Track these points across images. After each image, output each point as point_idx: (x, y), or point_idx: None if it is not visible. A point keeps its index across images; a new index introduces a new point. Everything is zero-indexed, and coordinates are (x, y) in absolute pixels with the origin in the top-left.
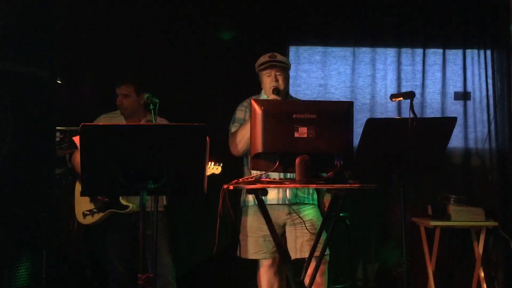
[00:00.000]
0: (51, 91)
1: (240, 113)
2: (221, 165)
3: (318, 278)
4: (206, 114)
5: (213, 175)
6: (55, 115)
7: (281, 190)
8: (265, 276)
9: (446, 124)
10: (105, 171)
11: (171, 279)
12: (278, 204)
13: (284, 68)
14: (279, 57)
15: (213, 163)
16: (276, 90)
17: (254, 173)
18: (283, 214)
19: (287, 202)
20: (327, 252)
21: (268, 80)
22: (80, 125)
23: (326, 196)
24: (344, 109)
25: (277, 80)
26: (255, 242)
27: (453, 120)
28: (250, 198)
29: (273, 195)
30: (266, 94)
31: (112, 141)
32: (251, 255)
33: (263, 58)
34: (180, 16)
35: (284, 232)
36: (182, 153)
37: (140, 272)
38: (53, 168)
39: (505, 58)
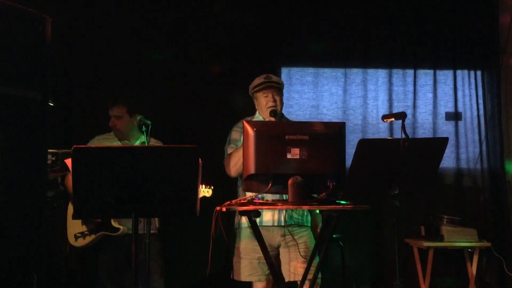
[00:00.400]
0: (43, 113)
1: (235, 134)
2: (212, 188)
3: None
4: (198, 136)
5: (204, 198)
6: (46, 138)
7: (276, 212)
8: None
9: (438, 144)
10: (97, 193)
11: None
12: (273, 226)
13: (280, 89)
14: (274, 78)
15: (204, 186)
16: (273, 112)
17: (248, 194)
18: (278, 236)
19: (282, 224)
20: (319, 275)
21: (265, 101)
22: (72, 148)
23: (318, 218)
24: (336, 130)
25: (274, 101)
26: (249, 265)
27: (445, 140)
28: (244, 220)
29: (268, 217)
30: (263, 115)
31: (104, 163)
32: (245, 278)
33: (258, 80)
34: (173, 39)
35: (278, 254)
36: (175, 175)
37: None
38: (45, 191)
39: (495, 78)
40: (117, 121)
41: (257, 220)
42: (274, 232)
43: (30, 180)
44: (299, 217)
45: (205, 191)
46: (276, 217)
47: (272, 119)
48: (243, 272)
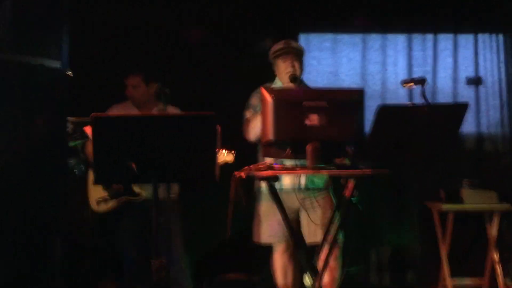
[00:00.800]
0: (62, 82)
1: (254, 100)
2: (234, 152)
3: (332, 263)
4: (219, 102)
5: (226, 163)
6: (66, 106)
7: (296, 176)
8: (280, 261)
9: (458, 110)
10: (117, 160)
11: (184, 265)
12: (294, 189)
13: (300, 55)
14: (294, 43)
15: (225, 151)
16: (293, 77)
17: (268, 159)
18: (297, 200)
19: (302, 187)
20: (341, 238)
21: (284, 66)
22: (91, 116)
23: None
24: (355, 97)
25: (293, 66)
26: (269, 227)
27: (465, 106)
28: (264, 184)
29: (288, 181)
30: (282, 81)
31: (123, 131)
32: (265, 240)
33: (278, 45)
34: (189, 5)
35: (298, 217)
36: (193, 142)
37: (153, 258)
38: (65, 158)
39: None
40: (133, 90)
41: (277, 186)
42: (293, 195)
43: (50, 147)
44: (320, 181)
45: (227, 156)
46: (296, 181)
47: (291, 85)
48: (263, 234)
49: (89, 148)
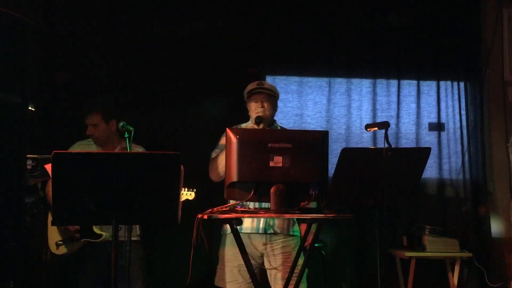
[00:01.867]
0: (22, 118)
1: (223, 140)
2: (195, 190)
3: None
4: (180, 141)
5: (187, 200)
6: (26, 143)
7: (255, 219)
8: None
9: (420, 154)
10: (77, 199)
11: None
12: (255, 233)
13: (271, 96)
14: (267, 84)
15: (186, 189)
16: (258, 119)
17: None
18: (260, 244)
19: (260, 232)
20: (304, 285)
21: (254, 106)
22: (52, 153)
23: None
24: (319, 138)
25: (263, 107)
26: (230, 272)
27: (427, 150)
28: (228, 227)
29: (247, 224)
30: (253, 122)
31: (84, 169)
32: (227, 285)
33: (251, 86)
34: (158, 45)
35: (263, 262)
36: (156, 181)
37: None
38: (23, 197)
39: (477, 90)
40: (93, 129)
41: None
42: (256, 240)
43: (8, 184)
44: (279, 227)
45: (187, 194)
46: (255, 224)
47: (255, 126)
48: (225, 279)
49: (49, 187)
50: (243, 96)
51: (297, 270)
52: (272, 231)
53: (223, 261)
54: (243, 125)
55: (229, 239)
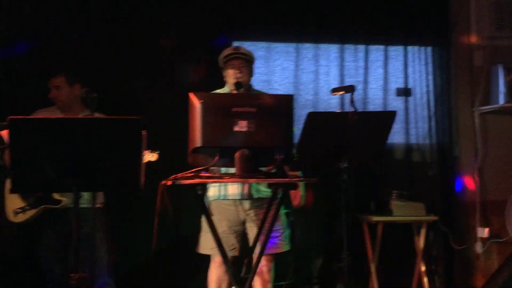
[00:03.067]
0: None
1: None
2: (158, 152)
3: (265, 275)
4: (145, 108)
5: (150, 162)
6: None
7: (240, 185)
8: (215, 273)
9: (386, 117)
10: (36, 166)
11: (109, 279)
12: (241, 199)
13: (248, 61)
14: (243, 49)
15: (150, 151)
16: (238, 84)
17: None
18: (242, 211)
19: (245, 197)
20: (285, 248)
21: (232, 72)
22: (8, 118)
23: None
24: (284, 103)
25: (241, 72)
26: (211, 239)
27: (393, 114)
28: (210, 193)
29: (232, 190)
30: (230, 87)
31: (42, 135)
32: (204, 250)
33: (227, 51)
34: (122, 13)
35: (245, 229)
36: (117, 147)
37: (73, 272)
38: None
39: (445, 55)
40: (57, 91)
41: (221, 193)
42: (238, 206)
43: None
44: (267, 190)
45: (150, 156)
46: (239, 190)
47: (235, 91)
48: (202, 245)
49: (7, 154)
50: (218, 62)
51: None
52: (258, 196)
53: (205, 228)
54: (219, 91)
55: (212, 206)
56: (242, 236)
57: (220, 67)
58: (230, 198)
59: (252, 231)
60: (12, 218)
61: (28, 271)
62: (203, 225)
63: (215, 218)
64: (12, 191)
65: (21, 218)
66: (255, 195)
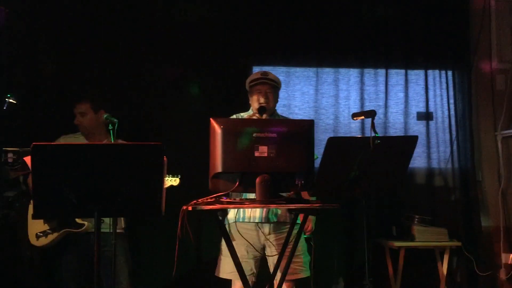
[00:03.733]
0: None
1: None
2: (179, 176)
3: None
4: (166, 133)
5: (172, 187)
6: (2, 135)
7: (260, 209)
8: None
9: (408, 142)
10: (58, 192)
11: None
12: (259, 223)
13: (275, 87)
14: (271, 75)
15: (170, 175)
16: (262, 109)
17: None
18: (263, 235)
19: (263, 221)
20: (305, 274)
21: (258, 97)
22: (31, 145)
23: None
24: (304, 127)
25: (267, 98)
26: (229, 263)
27: (415, 138)
28: (229, 216)
29: (252, 213)
30: (254, 111)
31: (64, 161)
32: (225, 275)
33: (255, 75)
34: (142, 36)
35: (264, 254)
36: (138, 172)
37: None
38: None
39: (465, 78)
40: (81, 118)
41: (240, 216)
42: (258, 231)
43: None
44: (282, 215)
45: (172, 180)
46: (258, 214)
47: (259, 116)
48: (223, 269)
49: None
50: (245, 85)
51: (296, 259)
52: (275, 220)
53: (221, 251)
54: (243, 114)
55: (232, 230)
56: (260, 261)
57: (247, 91)
58: (247, 221)
59: (272, 256)
60: (34, 241)
61: None
62: (222, 248)
63: (234, 243)
64: (34, 216)
65: (43, 241)
66: (272, 219)
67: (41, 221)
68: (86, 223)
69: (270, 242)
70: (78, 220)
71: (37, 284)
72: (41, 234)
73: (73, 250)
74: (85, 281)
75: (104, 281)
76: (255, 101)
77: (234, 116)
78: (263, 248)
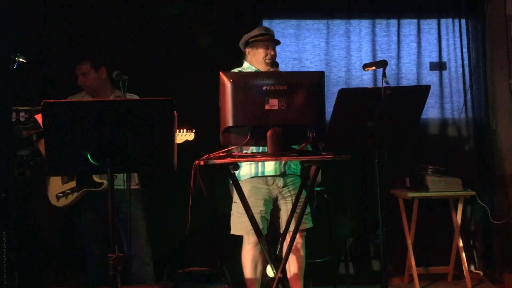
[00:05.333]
0: (5, 66)
1: None
2: (194, 131)
3: (300, 251)
4: (176, 88)
5: (187, 141)
6: (10, 92)
7: (275, 162)
8: (251, 253)
9: (420, 92)
10: (70, 149)
11: (148, 259)
12: (275, 176)
13: (277, 42)
14: (272, 31)
15: (185, 130)
16: (275, 63)
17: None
18: (276, 188)
19: (278, 174)
20: (309, 225)
21: (266, 53)
22: (42, 102)
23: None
24: (315, 80)
25: (274, 53)
26: (241, 218)
27: (427, 88)
28: (243, 172)
29: (270, 167)
30: (258, 66)
31: (76, 118)
32: (237, 231)
33: (257, 30)
34: None
35: (277, 206)
36: (150, 128)
37: (111, 252)
38: (10, 148)
39: (480, 27)
40: (84, 78)
41: (259, 170)
42: (274, 183)
43: None
44: (295, 167)
45: (187, 135)
46: (276, 166)
47: (274, 69)
48: (235, 225)
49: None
50: (242, 39)
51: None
52: (289, 172)
53: (236, 208)
54: (238, 69)
55: (248, 186)
56: (271, 215)
57: (241, 46)
58: (267, 174)
59: (284, 208)
60: (55, 202)
61: (68, 252)
62: (234, 206)
63: (252, 199)
64: (48, 173)
65: (63, 202)
66: (287, 171)
67: (60, 182)
68: (104, 181)
69: (282, 194)
70: (96, 179)
71: (57, 243)
72: (61, 194)
73: (93, 209)
74: (104, 238)
75: (123, 237)
76: (262, 57)
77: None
78: (275, 201)
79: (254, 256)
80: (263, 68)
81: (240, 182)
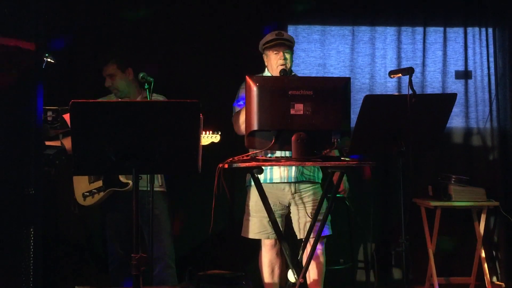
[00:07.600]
0: (37, 66)
1: (242, 91)
2: (219, 133)
3: (320, 257)
4: (202, 91)
5: (212, 143)
6: (40, 92)
7: (286, 168)
8: (267, 257)
9: (445, 100)
10: (97, 149)
11: (170, 262)
12: (283, 182)
13: (291, 47)
14: (286, 35)
15: (211, 132)
16: (283, 71)
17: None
18: (288, 194)
19: (292, 181)
20: (329, 230)
21: (276, 58)
22: (70, 102)
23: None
24: (341, 85)
25: (285, 59)
26: (258, 222)
27: (453, 96)
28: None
29: (278, 174)
30: (272, 73)
31: (103, 118)
32: (253, 235)
33: (269, 36)
34: None
35: (289, 212)
36: (175, 130)
37: (134, 252)
38: (40, 146)
39: (507, 36)
40: (111, 80)
41: (267, 177)
42: (285, 189)
43: (24, 135)
44: (310, 174)
45: (213, 137)
46: (286, 173)
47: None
48: (251, 229)
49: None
50: (259, 46)
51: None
52: (303, 179)
53: (249, 212)
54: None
55: (255, 190)
56: (287, 218)
57: (260, 51)
58: (275, 181)
59: (295, 214)
60: (81, 201)
61: (92, 252)
62: (249, 209)
63: (259, 203)
64: (74, 173)
65: (89, 201)
66: (300, 178)
67: (87, 181)
68: (130, 182)
69: (295, 201)
70: (122, 179)
71: (81, 242)
72: (88, 194)
73: (117, 209)
74: (128, 239)
75: (146, 238)
76: (273, 64)
77: None
78: (288, 207)
79: (270, 260)
80: (276, 74)
81: (250, 187)
